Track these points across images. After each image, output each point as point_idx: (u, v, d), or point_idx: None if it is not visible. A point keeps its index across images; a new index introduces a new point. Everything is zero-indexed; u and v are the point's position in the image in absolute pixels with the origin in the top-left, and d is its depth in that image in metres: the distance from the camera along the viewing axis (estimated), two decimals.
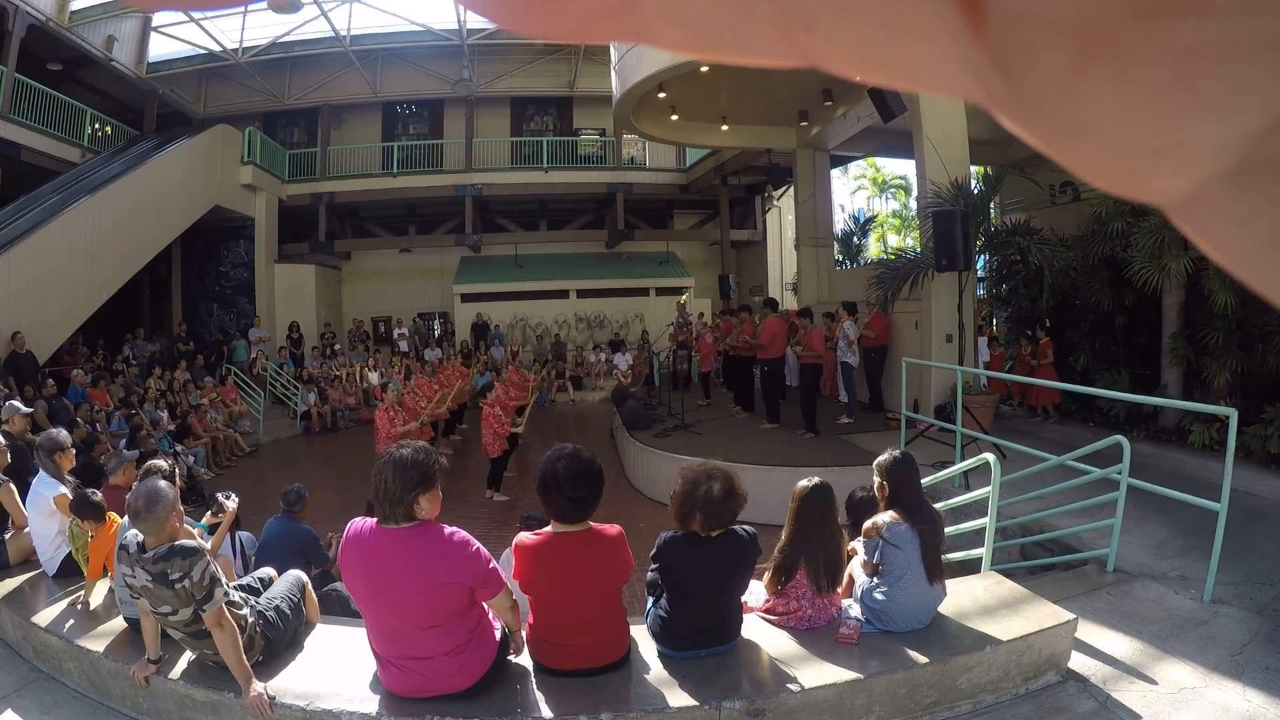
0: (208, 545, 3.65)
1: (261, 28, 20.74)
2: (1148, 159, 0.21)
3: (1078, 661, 3.87)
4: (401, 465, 2.90)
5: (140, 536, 3.26)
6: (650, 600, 3.62)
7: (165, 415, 12.78)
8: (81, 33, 16.82)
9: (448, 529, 3.02)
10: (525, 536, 3.29)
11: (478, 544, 3.04)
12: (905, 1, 0.21)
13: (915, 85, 0.24)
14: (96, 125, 17.74)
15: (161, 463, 4.73)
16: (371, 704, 3.15)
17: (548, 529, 3.29)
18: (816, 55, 0.23)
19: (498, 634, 3.26)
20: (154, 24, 19.60)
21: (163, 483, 3.37)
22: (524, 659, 3.37)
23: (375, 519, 3.01)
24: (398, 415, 10.24)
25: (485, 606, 3.16)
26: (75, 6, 16.45)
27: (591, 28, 0.24)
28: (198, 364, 16.56)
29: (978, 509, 5.83)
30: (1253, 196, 0.21)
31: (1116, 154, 0.21)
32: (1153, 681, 3.72)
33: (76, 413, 11.10)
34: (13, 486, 5.48)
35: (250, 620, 3.51)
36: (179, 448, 11.79)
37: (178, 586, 3.15)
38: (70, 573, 4.82)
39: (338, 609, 4.93)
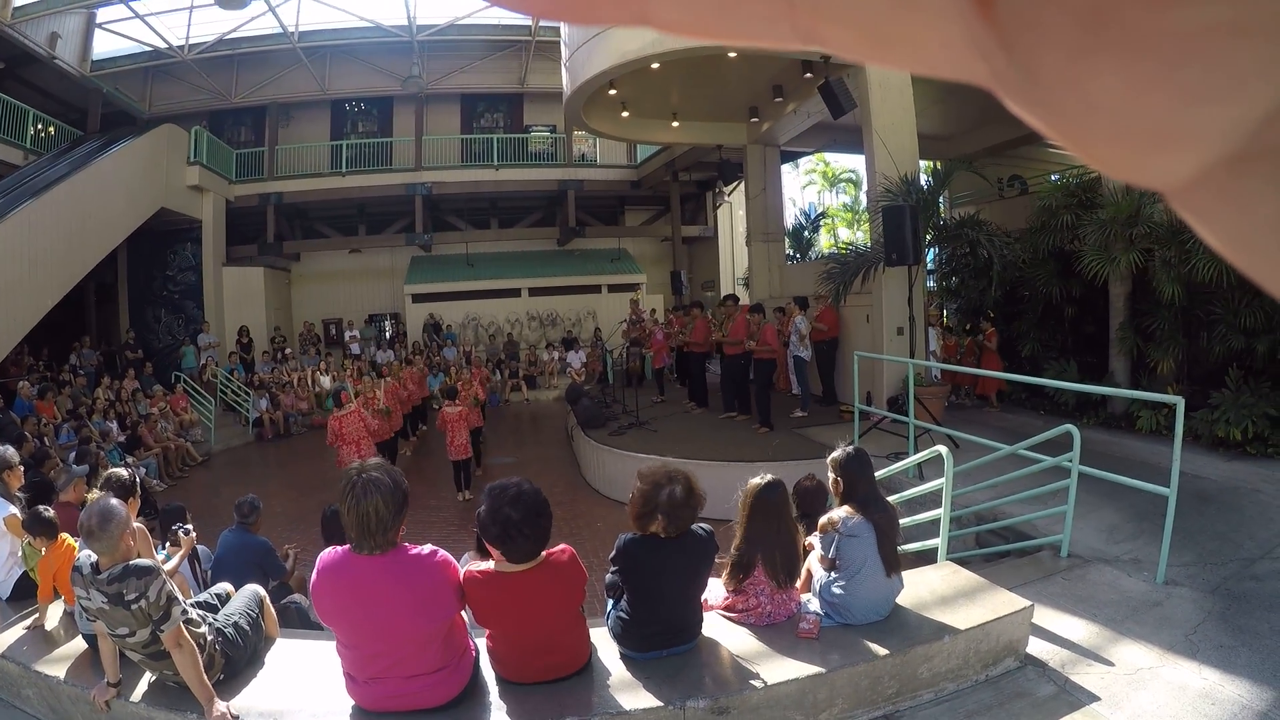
0: (164, 564, 3.58)
1: (208, 24, 20.32)
2: (1149, 142, 0.21)
3: (1036, 647, 3.96)
4: (387, 491, 2.82)
5: (94, 557, 3.17)
6: (610, 602, 3.62)
7: (115, 426, 12.51)
8: (24, 29, 16.30)
9: (426, 550, 2.97)
10: (473, 571, 3.14)
11: (454, 562, 3.01)
12: None
13: (919, 65, 0.24)
14: (39, 126, 17.25)
15: (122, 471, 4.57)
16: (341, 718, 3.11)
17: (491, 563, 3.15)
18: (819, 35, 0.23)
19: (474, 650, 3.24)
20: (98, 20, 19.11)
21: (115, 501, 3.28)
22: (486, 669, 3.34)
23: (345, 547, 2.94)
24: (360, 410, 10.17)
25: (462, 621, 3.12)
26: (18, 2, 15.96)
27: (593, 9, 0.25)
28: (147, 372, 16.22)
29: (932, 500, 5.92)
30: (1253, 183, 0.21)
31: (1118, 137, 0.21)
32: (1110, 663, 3.82)
33: (24, 426, 10.83)
34: None
35: (209, 638, 3.43)
36: (130, 459, 11.55)
37: (134, 607, 3.07)
38: (24, 595, 4.70)
39: (296, 622, 4.88)
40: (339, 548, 2.97)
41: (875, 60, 0.24)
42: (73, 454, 10.49)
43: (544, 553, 3.16)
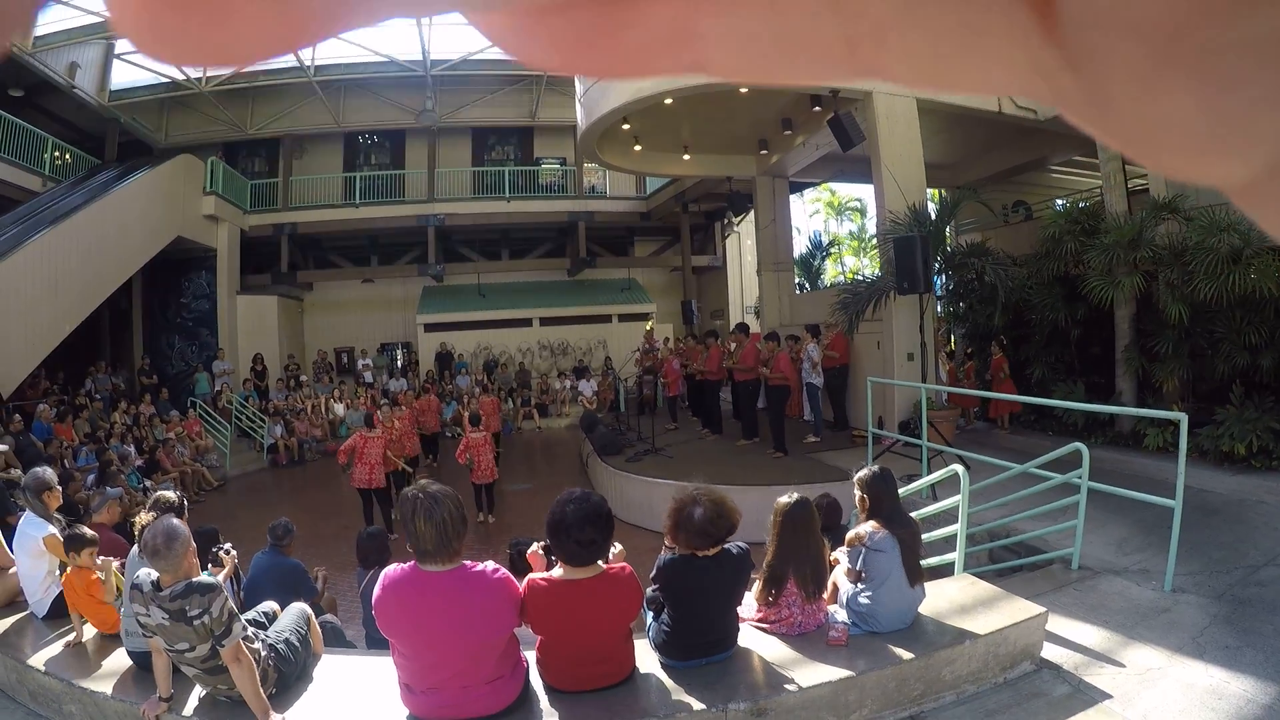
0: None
1: None
2: (1217, 149, 0.21)
3: (1050, 651, 4.13)
4: (454, 502, 2.98)
5: (154, 575, 3.26)
6: (650, 616, 3.80)
7: (133, 450, 12.70)
8: (44, 59, 16.70)
9: (489, 566, 3.11)
10: (536, 579, 3.32)
11: (513, 579, 3.16)
12: (977, 7, 0.22)
13: (981, 89, 0.25)
14: (57, 153, 17.54)
15: (170, 494, 4.73)
16: None
17: (557, 572, 3.34)
18: (881, 69, 0.24)
19: (525, 662, 3.38)
20: (117, 51, 19.45)
21: (177, 521, 3.39)
22: (535, 679, 3.47)
23: (412, 563, 3.06)
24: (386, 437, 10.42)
25: (515, 635, 3.25)
26: (38, 32, 16.29)
27: (648, 63, 0.25)
28: (163, 397, 16.40)
29: (947, 518, 6.08)
30: None
31: (1187, 146, 0.22)
32: (1121, 665, 4.00)
33: (47, 449, 11.01)
34: None
35: (263, 654, 3.55)
36: (148, 483, 11.73)
37: (196, 623, 3.16)
38: (61, 613, 4.74)
39: (332, 640, 5.00)
40: (403, 564, 3.10)
41: (935, 88, 0.25)
42: (91, 476, 10.67)
43: (604, 567, 3.34)
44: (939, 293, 13.18)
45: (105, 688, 3.88)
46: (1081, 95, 0.22)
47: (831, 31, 0.23)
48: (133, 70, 20.29)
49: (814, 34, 0.23)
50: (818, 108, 12.16)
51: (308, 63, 20.94)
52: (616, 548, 3.58)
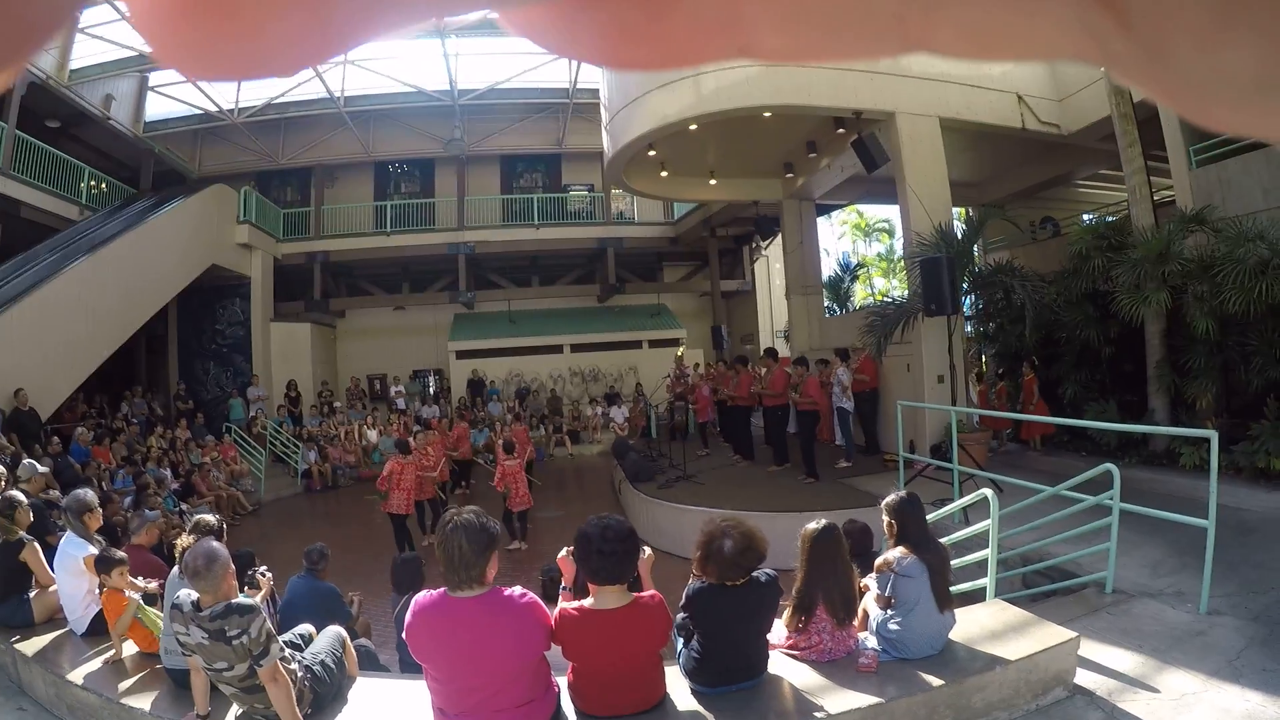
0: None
1: (256, 88, 21.19)
2: (1272, 102, 0.21)
3: (1083, 677, 4.09)
4: (472, 530, 2.99)
5: (194, 595, 3.35)
6: (680, 642, 3.82)
7: (169, 474, 12.90)
8: (80, 91, 17.16)
9: (516, 592, 3.14)
10: (567, 608, 3.36)
11: (542, 603, 3.20)
12: None
13: (1031, 54, 0.24)
14: (94, 182, 17.91)
15: (210, 517, 4.84)
16: None
17: (587, 601, 3.36)
18: (930, 40, 0.24)
19: (556, 687, 3.41)
20: (151, 84, 20.01)
21: (217, 544, 3.49)
22: (567, 704, 3.49)
23: (441, 590, 3.11)
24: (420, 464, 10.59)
25: (546, 659, 3.28)
26: (75, 66, 16.78)
27: (696, 50, 0.25)
28: (198, 422, 16.66)
29: (978, 542, 6.04)
30: None
31: (1244, 103, 0.22)
32: (1155, 690, 3.95)
33: (85, 471, 11.21)
34: (37, 546, 5.51)
35: (299, 675, 3.61)
36: (184, 506, 11.91)
37: (235, 643, 3.24)
38: (99, 631, 4.86)
39: (367, 664, 5.05)
40: (435, 590, 3.15)
41: (984, 55, 0.25)
42: (128, 499, 10.84)
43: (634, 595, 3.37)
44: (968, 313, 13.14)
45: (143, 704, 3.97)
46: (1134, 54, 0.23)
47: (880, 5, 0.23)
48: (167, 102, 20.93)
49: (862, 9, 0.24)
50: (841, 130, 12.20)
51: (337, 94, 21.31)
52: (646, 552, 3.64)
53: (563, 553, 3.70)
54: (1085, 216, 17.19)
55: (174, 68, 0.24)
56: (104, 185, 18.52)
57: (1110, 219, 12.03)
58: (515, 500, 10.41)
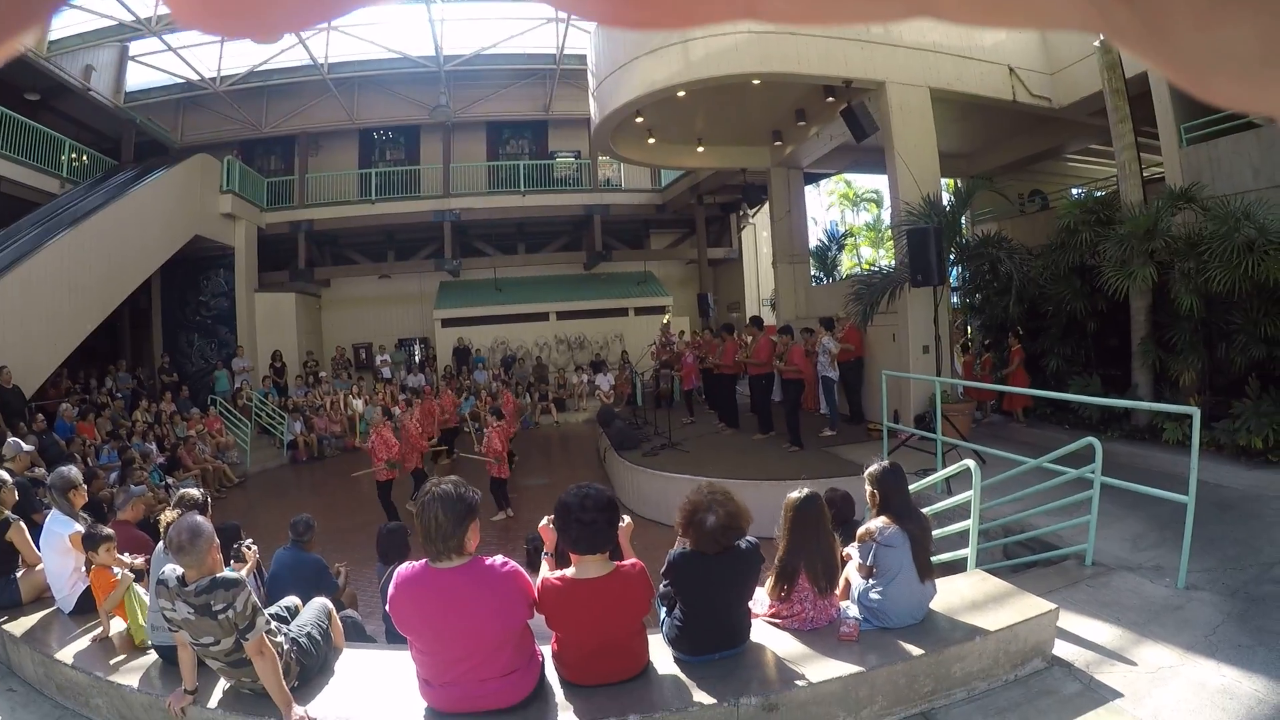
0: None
1: (239, 56, 20.90)
2: (1271, 76, 0.22)
3: (1062, 649, 4.16)
4: (449, 500, 3.00)
5: (179, 570, 3.34)
6: (663, 610, 3.85)
7: (154, 448, 12.86)
8: (59, 62, 16.83)
9: (498, 561, 3.16)
10: (549, 578, 3.39)
11: (524, 572, 3.22)
12: None
13: (1034, 22, 0.24)
14: (74, 155, 17.67)
15: (194, 491, 4.81)
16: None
17: (569, 571, 3.39)
18: (935, 6, 0.24)
19: (540, 656, 3.45)
20: (132, 53, 19.68)
21: (200, 518, 3.47)
22: (551, 674, 3.53)
23: (423, 561, 3.13)
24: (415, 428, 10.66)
25: (529, 627, 3.32)
26: (54, 36, 16.48)
27: (700, 10, 0.24)
28: (183, 395, 16.59)
29: (960, 513, 6.11)
30: None
31: (1243, 77, 0.22)
32: (1132, 663, 4.01)
33: (70, 447, 11.16)
34: (23, 525, 5.50)
35: (285, 647, 3.62)
36: (170, 480, 11.89)
37: (220, 618, 3.24)
38: (87, 609, 4.86)
39: (352, 635, 5.07)
40: (416, 562, 3.17)
41: (987, 22, 0.25)
42: (114, 474, 10.81)
43: (615, 564, 3.41)
44: (955, 284, 13.17)
45: (131, 681, 3.96)
46: (1136, 24, 0.23)
47: None
48: (147, 72, 20.59)
49: None
50: (831, 98, 12.11)
51: (321, 60, 21.05)
52: (625, 520, 3.66)
53: (544, 521, 3.71)
54: (1074, 191, 17.20)
55: (194, 26, 0.25)
56: (85, 158, 18.26)
57: (1099, 194, 12.00)
58: (496, 466, 10.45)
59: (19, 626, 4.87)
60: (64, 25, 16.66)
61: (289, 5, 0.23)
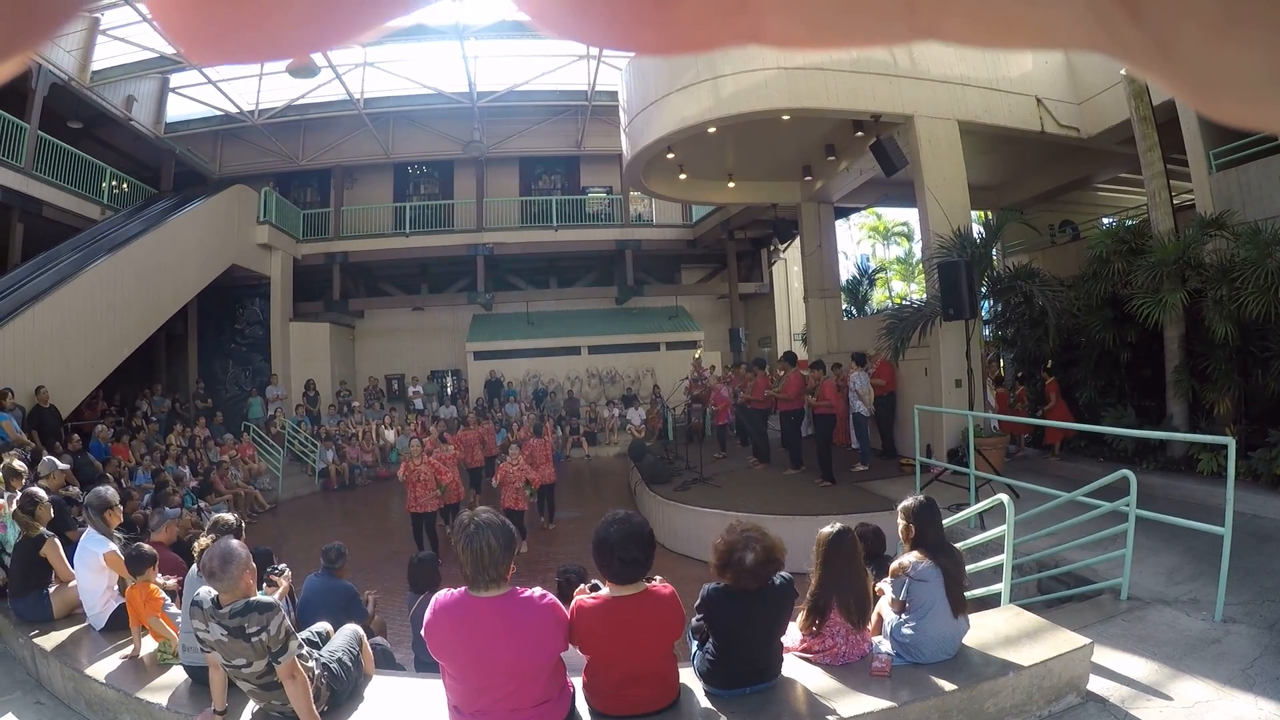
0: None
1: (277, 90, 21.28)
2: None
3: (1096, 684, 4.08)
4: (498, 529, 3.02)
5: (214, 593, 3.39)
6: (695, 644, 3.85)
7: (188, 472, 13.03)
8: (102, 92, 17.31)
9: (536, 593, 3.16)
10: (584, 599, 3.41)
11: (560, 605, 3.23)
12: None
13: (1041, 43, 0.24)
14: (115, 183, 18.05)
15: (229, 516, 4.89)
16: None
17: (604, 592, 3.42)
18: (940, 30, 0.24)
19: (571, 687, 3.44)
20: (172, 85, 20.20)
21: (235, 543, 3.51)
22: (581, 705, 3.51)
23: (462, 589, 3.12)
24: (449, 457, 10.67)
25: (562, 660, 3.31)
26: (97, 67, 16.94)
27: (704, 35, 0.24)
28: (217, 421, 16.81)
29: (994, 547, 6.03)
30: None
31: (1251, 97, 0.22)
32: (1168, 698, 3.93)
33: (105, 468, 11.32)
34: (57, 541, 5.61)
35: (316, 672, 3.65)
36: (202, 504, 12.02)
37: (254, 640, 3.28)
38: (118, 627, 4.94)
39: (383, 663, 5.08)
40: (454, 590, 3.17)
41: (994, 44, 0.25)
42: (147, 496, 10.95)
43: (646, 585, 3.41)
44: (986, 317, 13.08)
45: (161, 699, 4.01)
46: (1145, 45, 0.23)
47: None
48: (188, 104, 21.10)
49: None
50: (860, 133, 12.16)
51: (356, 95, 21.39)
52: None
53: (581, 592, 3.72)
54: (1105, 220, 17.06)
55: (187, 52, 0.26)
56: (125, 185, 18.68)
57: (1130, 223, 11.89)
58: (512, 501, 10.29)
59: (50, 641, 4.96)
60: (107, 57, 17.13)
61: (282, 34, 0.24)
